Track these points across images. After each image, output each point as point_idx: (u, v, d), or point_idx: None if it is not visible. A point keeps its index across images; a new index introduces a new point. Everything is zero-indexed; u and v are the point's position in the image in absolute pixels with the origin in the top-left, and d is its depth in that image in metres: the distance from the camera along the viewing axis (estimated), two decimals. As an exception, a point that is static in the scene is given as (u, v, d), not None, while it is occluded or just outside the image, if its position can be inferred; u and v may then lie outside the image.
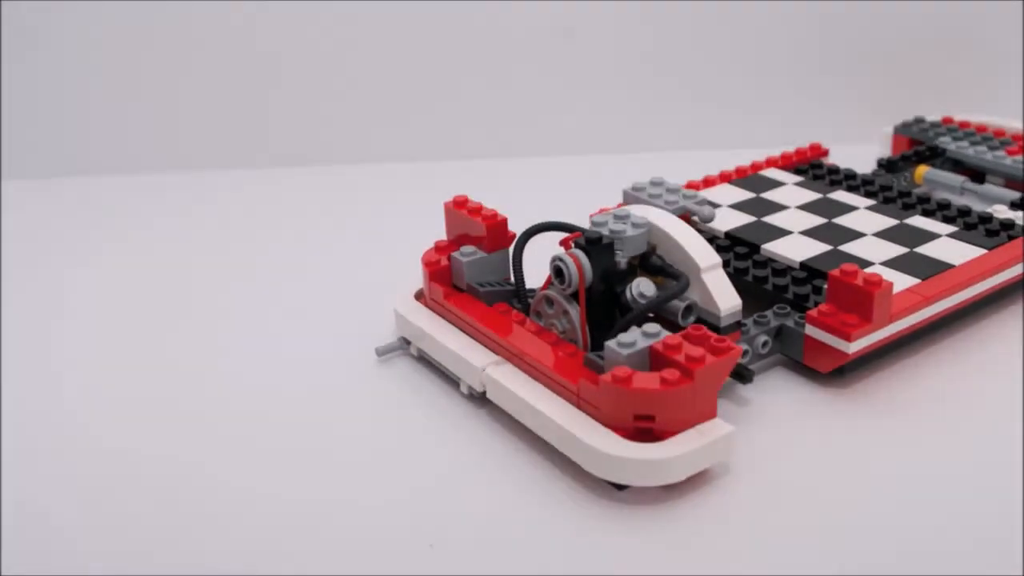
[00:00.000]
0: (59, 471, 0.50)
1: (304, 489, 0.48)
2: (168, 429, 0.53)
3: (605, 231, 0.53)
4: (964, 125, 0.81)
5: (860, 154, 0.82)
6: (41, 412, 0.54)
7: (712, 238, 0.63)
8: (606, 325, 0.52)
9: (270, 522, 0.46)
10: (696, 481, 0.47)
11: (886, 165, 0.76)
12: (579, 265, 0.51)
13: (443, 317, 0.57)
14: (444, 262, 0.57)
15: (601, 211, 0.66)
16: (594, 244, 0.51)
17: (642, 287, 0.52)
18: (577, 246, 0.52)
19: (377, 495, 0.47)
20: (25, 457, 0.51)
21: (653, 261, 0.54)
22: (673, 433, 0.46)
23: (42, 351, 0.61)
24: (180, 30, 0.91)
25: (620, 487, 0.47)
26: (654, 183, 0.63)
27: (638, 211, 0.55)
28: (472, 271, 0.56)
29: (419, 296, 0.59)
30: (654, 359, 0.47)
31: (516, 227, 0.57)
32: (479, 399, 0.53)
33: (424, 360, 0.57)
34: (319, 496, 0.47)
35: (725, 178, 0.72)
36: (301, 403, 0.55)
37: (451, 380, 0.55)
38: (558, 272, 0.52)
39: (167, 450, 0.51)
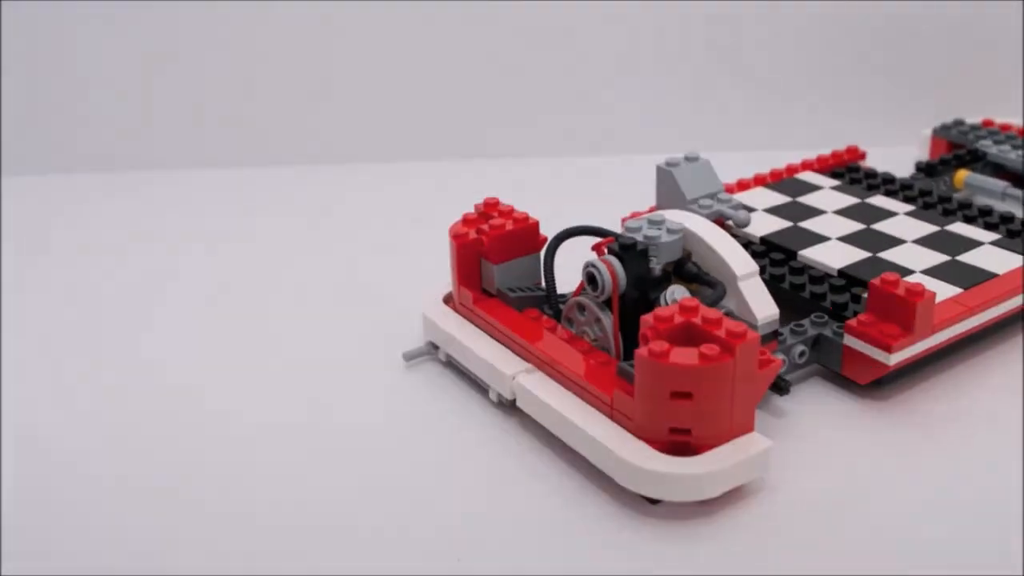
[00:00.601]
0: (61, 472, 0.49)
1: (329, 497, 0.47)
2: (186, 433, 0.52)
3: (639, 237, 0.52)
4: (1005, 128, 0.80)
5: (897, 157, 0.81)
6: (43, 411, 0.54)
7: (747, 243, 0.62)
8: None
9: (295, 529, 0.45)
10: (731, 496, 0.46)
11: (925, 169, 0.74)
12: (613, 272, 0.50)
13: (472, 322, 0.56)
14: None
15: (633, 215, 0.65)
16: (628, 250, 0.50)
17: (676, 295, 0.51)
18: (611, 252, 0.51)
19: (403, 504, 0.46)
20: (25, 457, 0.50)
21: (688, 268, 0.53)
22: (710, 446, 0.45)
23: (44, 349, 0.60)
24: (187, 26, 0.90)
25: (653, 501, 0.46)
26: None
27: (673, 216, 0.54)
28: (503, 276, 0.55)
29: (448, 300, 0.58)
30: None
31: (545, 229, 0.56)
32: (508, 407, 0.52)
33: (452, 366, 0.56)
34: (344, 505, 0.47)
35: (759, 181, 0.71)
36: (326, 409, 0.54)
37: (480, 387, 0.54)
38: (591, 279, 0.50)
39: (184, 453, 0.50)
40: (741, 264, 0.52)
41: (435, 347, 0.57)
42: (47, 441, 0.51)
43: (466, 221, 0.58)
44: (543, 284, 0.55)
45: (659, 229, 0.53)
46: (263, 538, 0.45)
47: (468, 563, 0.43)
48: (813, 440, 0.50)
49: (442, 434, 0.52)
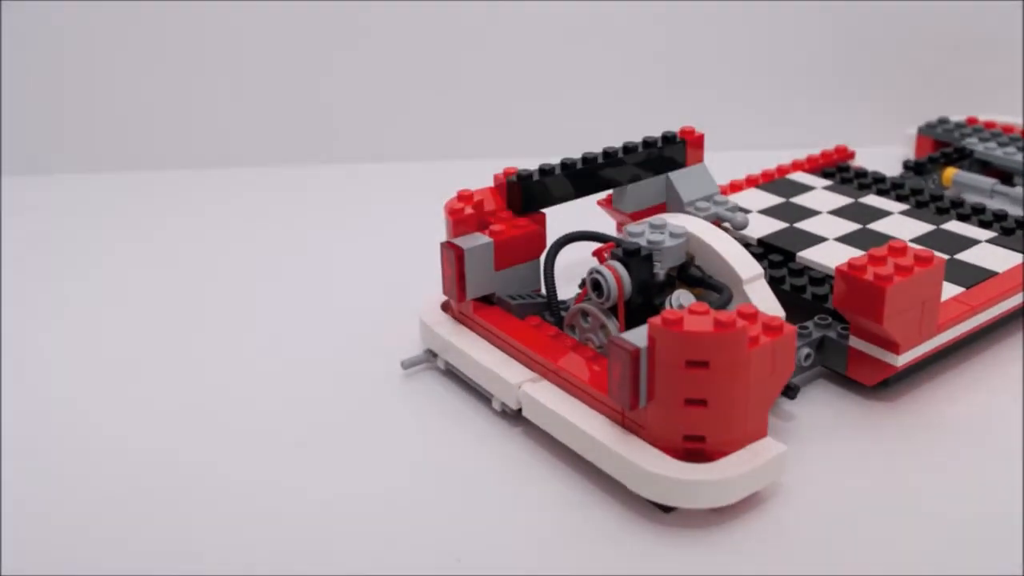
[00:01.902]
0: (62, 472, 0.46)
1: (328, 504, 0.44)
2: (184, 437, 0.48)
3: (642, 241, 0.49)
4: (990, 125, 0.76)
5: (883, 156, 0.77)
6: (44, 412, 0.50)
7: (744, 245, 0.58)
8: (645, 339, 0.47)
9: (294, 533, 0.42)
10: (744, 502, 0.42)
11: (913, 167, 0.71)
12: (618, 278, 0.46)
13: (472, 330, 0.52)
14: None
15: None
16: (632, 255, 0.47)
17: (682, 299, 0.47)
18: (614, 257, 0.47)
19: (405, 516, 0.43)
20: (26, 457, 0.47)
21: (692, 272, 0.49)
22: (723, 452, 0.42)
23: (45, 350, 0.56)
24: (187, 26, 0.86)
25: (667, 509, 0.42)
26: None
27: (674, 220, 0.51)
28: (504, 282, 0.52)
29: (446, 307, 0.55)
30: None
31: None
32: (512, 416, 0.49)
33: (451, 374, 0.53)
34: (342, 515, 0.43)
35: (752, 182, 0.68)
36: (322, 419, 0.50)
37: (481, 396, 0.51)
38: (596, 285, 0.47)
39: (181, 456, 0.47)
40: (746, 267, 0.49)
41: (434, 355, 0.54)
42: (45, 442, 0.48)
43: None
44: (543, 291, 0.52)
45: (662, 233, 0.49)
46: (263, 540, 0.42)
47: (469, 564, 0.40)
48: (824, 443, 0.47)
49: (444, 441, 0.48)
